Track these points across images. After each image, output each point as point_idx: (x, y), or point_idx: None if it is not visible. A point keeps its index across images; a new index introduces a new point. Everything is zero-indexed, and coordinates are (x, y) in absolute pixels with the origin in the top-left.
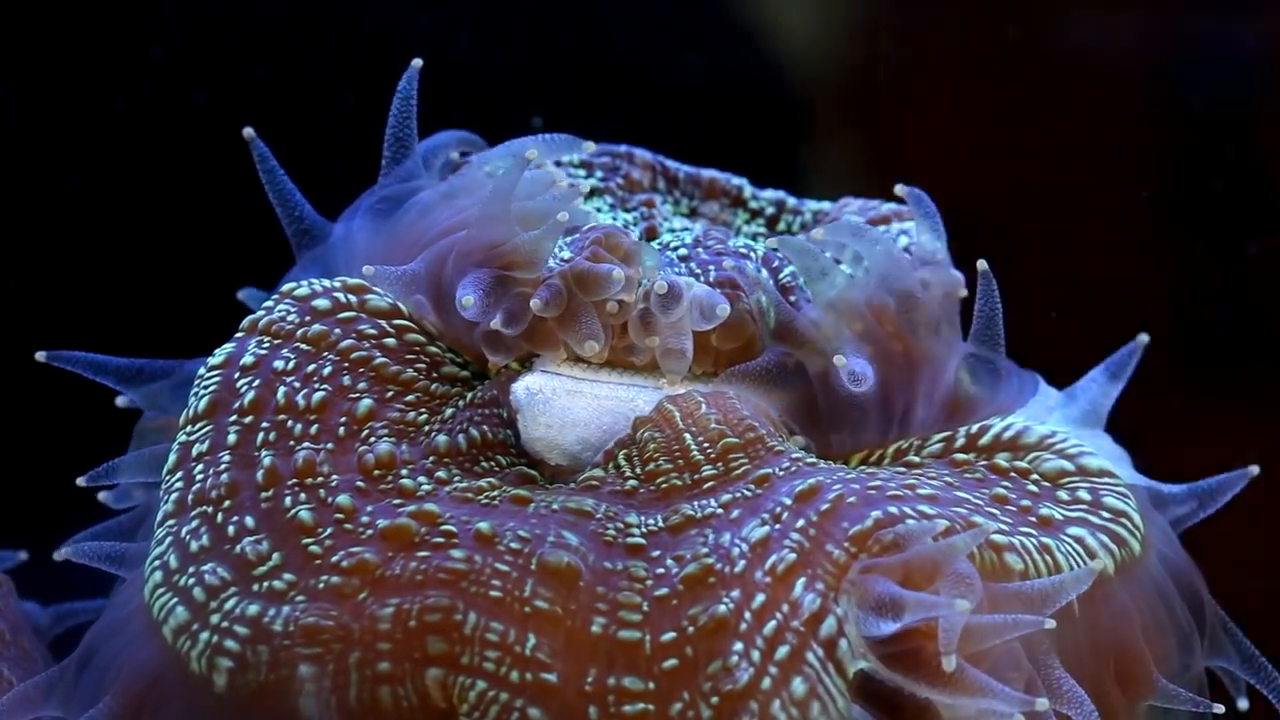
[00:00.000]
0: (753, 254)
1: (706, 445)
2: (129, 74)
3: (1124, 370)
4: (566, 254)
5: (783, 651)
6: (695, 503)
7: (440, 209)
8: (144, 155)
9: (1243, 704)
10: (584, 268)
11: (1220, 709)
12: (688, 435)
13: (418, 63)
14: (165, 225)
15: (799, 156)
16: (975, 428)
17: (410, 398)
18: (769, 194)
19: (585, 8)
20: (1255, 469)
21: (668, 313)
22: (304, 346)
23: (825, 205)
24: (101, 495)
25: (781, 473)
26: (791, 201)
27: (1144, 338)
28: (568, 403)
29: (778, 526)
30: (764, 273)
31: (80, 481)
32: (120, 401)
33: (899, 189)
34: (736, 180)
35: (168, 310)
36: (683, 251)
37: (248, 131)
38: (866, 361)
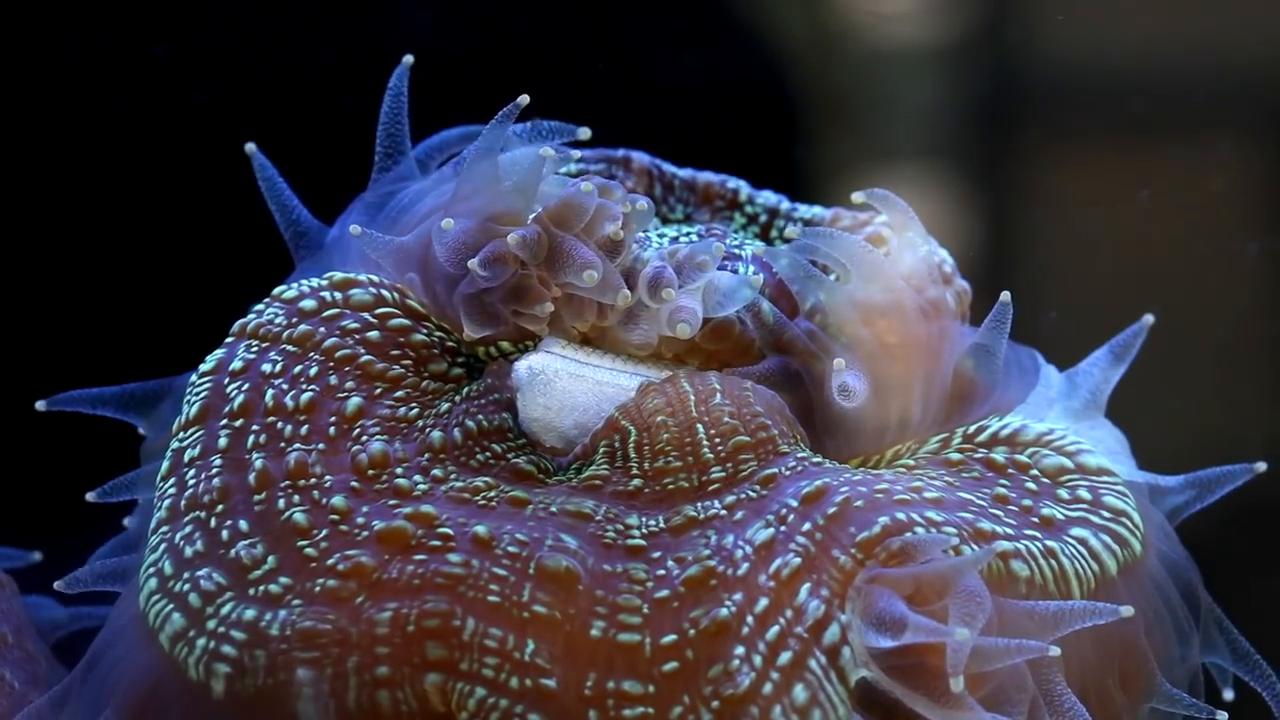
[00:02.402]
0: (744, 251)
1: (718, 441)
2: (129, 74)
3: (1128, 352)
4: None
5: (785, 657)
6: (698, 504)
7: (431, 194)
8: (144, 155)
9: (1228, 695)
10: (556, 204)
11: (1224, 716)
12: (700, 427)
13: (408, 59)
14: (165, 225)
15: (798, 157)
16: (973, 428)
17: (399, 393)
18: (764, 199)
19: (585, 8)
20: (1263, 465)
21: (689, 279)
22: (290, 348)
23: (818, 211)
24: (126, 520)
25: (788, 472)
26: (785, 206)
27: (1149, 318)
28: (569, 386)
29: (783, 529)
30: (752, 269)
31: (90, 496)
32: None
33: (856, 196)
34: (733, 183)
35: (168, 310)
36: None
37: (249, 147)
38: (858, 373)
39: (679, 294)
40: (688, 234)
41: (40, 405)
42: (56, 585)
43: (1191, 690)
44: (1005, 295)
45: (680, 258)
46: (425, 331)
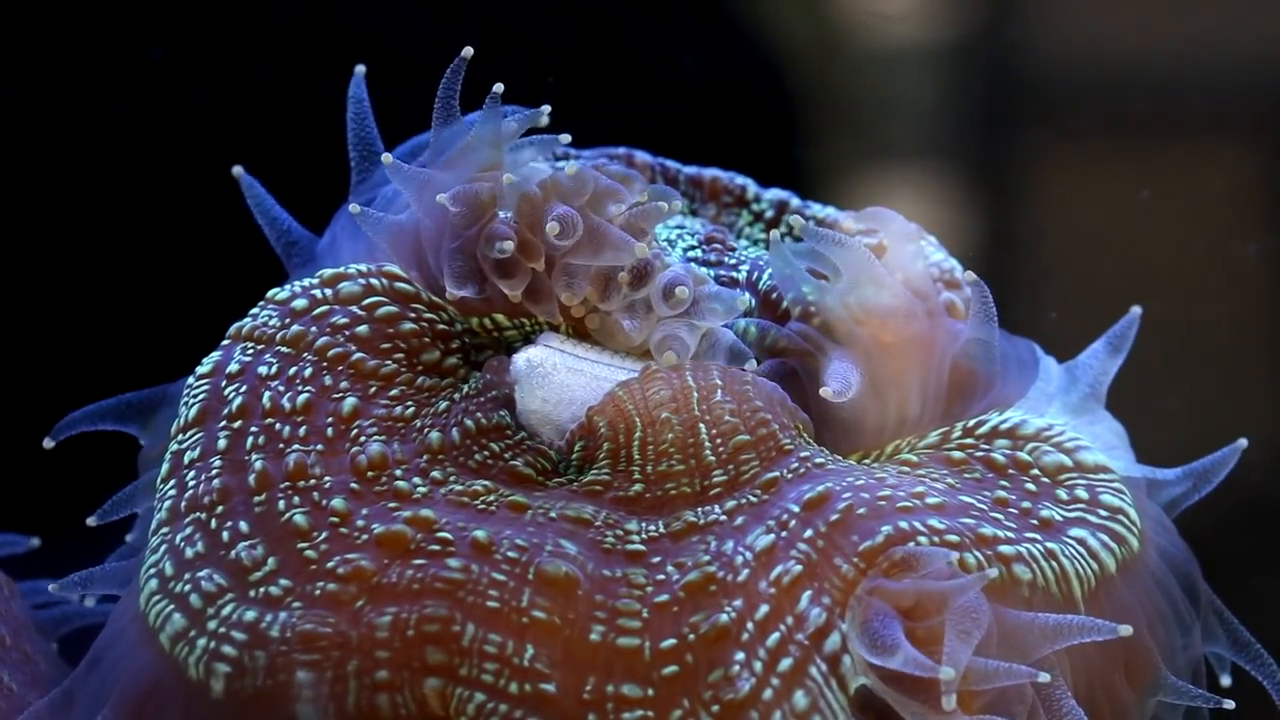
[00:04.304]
0: (739, 273)
1: (720, 442)
2: (129, 74)
3: (1125, 342)
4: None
5: (785, 664)
6: (699, 509)
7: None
8: (144, 155)
9: (1225, 680)
10: (563, 177)
11: (1231, 705)
12: (702, 426)
13: (360, 69)
14: (165, 225)
15: (798, 157)
16: (972, 422)
17: (394, 391)
18: (772, 194)
19: (585, 7)
20: (1244, 441)
21: (697, 314)
22: (284, 350)
23: (830, 211)
24: (129, 537)
25: (789, 475)
26: (795, 203)
27: (1137, 310)
28: (567, 379)
29: (784, 535)
30: (746, 295)
31: (91, 521)
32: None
33: (856, 217)
34: (740, 180)
35: (168, 310)
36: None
37: (236, 170)
38: (848, 371)
39: (677, 321)
40: (692, 246)
41: (48, 443)
42: (51, 588)
43: (1195, 680)
44: (970, 274)
45: (701, 291)
46: (414, 317)
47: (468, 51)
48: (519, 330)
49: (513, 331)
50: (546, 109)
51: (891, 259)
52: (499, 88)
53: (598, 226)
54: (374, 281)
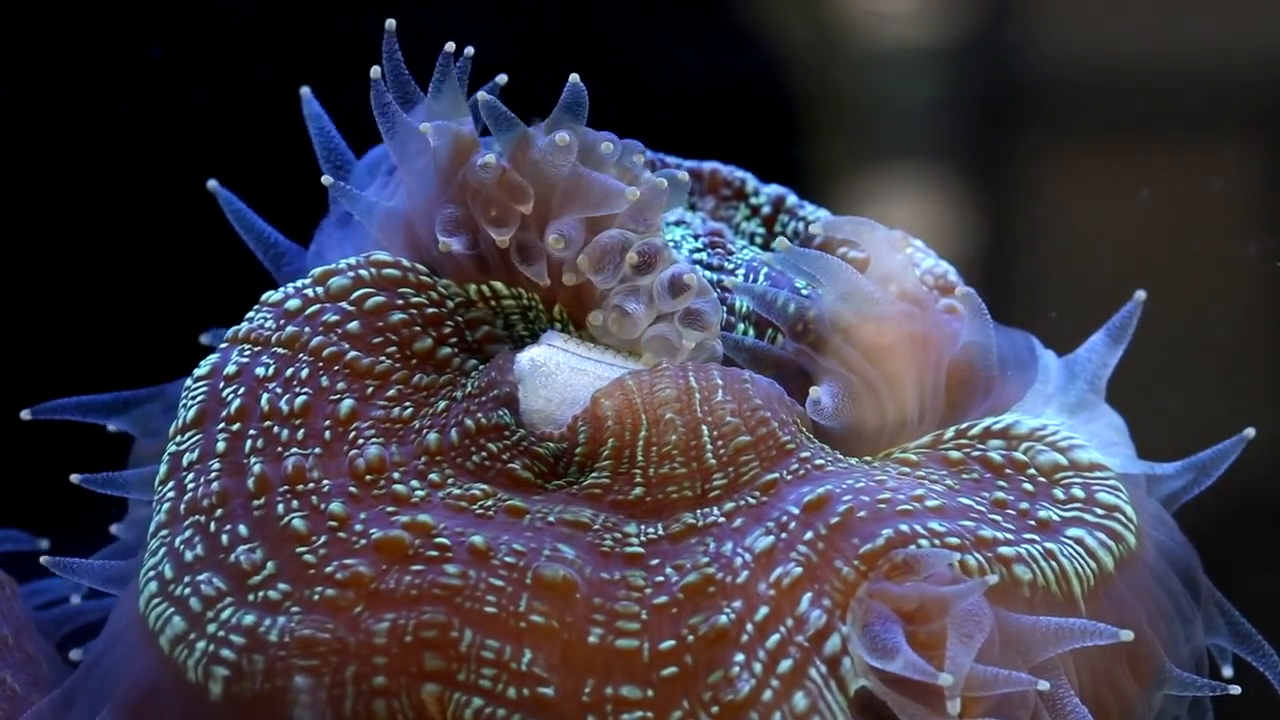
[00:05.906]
0: (735, 280)
1: (720, 445)
2: (129, 74)
3: (1125, 333)
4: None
5: (785, 665)
6: (698, 510)
7: (393, 178)
8: (144, 155)
9: (1227, 671)
10: (549, 121)
11: (1237, 690)
12: (704, 428)
13: (305, 90)
14: (165, 225)
15: (798, 157)
16: (965, 424)
17: (391, 391)
18: (770, 189)
19: (584, 7)
20: (1251, 431)
21: (691, 322)
22: (280, 351)
23: (823, 214)
24: (114, 528)
25: (789, 477)
26: (791, 200)
27: (1141, 294)
28: (570, 379)
29: (784, 537)
30: (744, 300)
31: (75, 478)
32: (112, 427)
33: (821, 227)
34: (740, 173)
35: (168, 310)
36: None
37: (211, 184)
38: (830, 390)
39: (669, 324)
40: (696, 249)
41: (25, 414)
42: (43, 560)
43: (1198, 671)
44: (964, 288)
45: (692, 304)
46: (401, 304)
47: (390, 23)
48: (517, 301)
49: (510, 301)
50: (502, 78)
51: (881, 269)
52: (450, 46)
53: (584, 173)
54: (362, 272)
